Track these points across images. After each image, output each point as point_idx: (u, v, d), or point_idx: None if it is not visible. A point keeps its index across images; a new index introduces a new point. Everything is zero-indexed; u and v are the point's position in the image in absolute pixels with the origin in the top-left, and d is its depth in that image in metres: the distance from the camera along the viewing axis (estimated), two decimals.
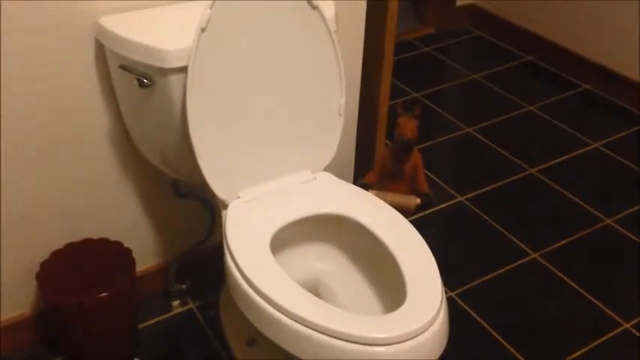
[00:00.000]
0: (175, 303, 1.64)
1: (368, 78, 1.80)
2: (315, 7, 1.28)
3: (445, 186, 2.10)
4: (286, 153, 1.38)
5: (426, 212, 1.96)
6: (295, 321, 1.09)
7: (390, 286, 1.28)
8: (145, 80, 1.23)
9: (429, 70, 2.77)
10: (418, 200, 1.62)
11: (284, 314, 1.10)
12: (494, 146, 2.29)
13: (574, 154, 2.26)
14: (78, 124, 1.37)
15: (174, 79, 1.22)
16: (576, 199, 2.05)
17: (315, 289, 1.42)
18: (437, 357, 1.12)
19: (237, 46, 1.22)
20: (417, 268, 1.20)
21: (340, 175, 1.83)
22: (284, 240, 1.35)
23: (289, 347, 1.11)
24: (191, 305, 1.65)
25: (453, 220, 1.97)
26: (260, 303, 1.13)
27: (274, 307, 1.11)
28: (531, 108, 2.50)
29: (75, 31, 1.27)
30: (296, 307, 1.10)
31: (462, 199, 2.04)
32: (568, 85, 2.63)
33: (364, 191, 1.38)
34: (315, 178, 1.41)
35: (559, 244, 1.88)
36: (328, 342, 1.07)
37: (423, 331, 1.08)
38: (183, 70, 1.20)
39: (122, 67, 1.26)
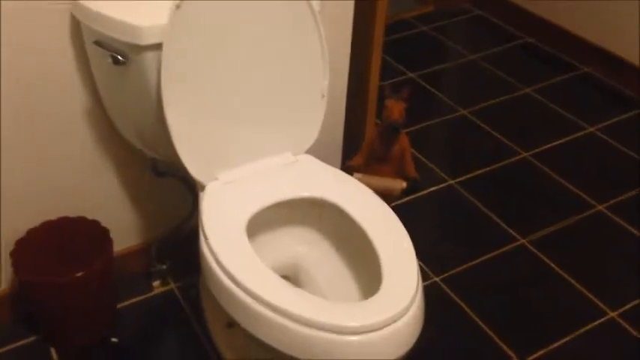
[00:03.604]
0: (156, 283, 1.62)
1: (358, 58, 1.76)
2: None
3: (436, 169, 2.06)
4: (267, 134, 1.35)
5: (415, 195, 1.93)
6: (267, 308, 1.07)
7: (368, 272, 1.25)
8: (120, 57, 1.20)
9: (427, 50, 2.71)
10: (404, 184, 1.59)
11: (256, 300, 1.08)
12: (489, 129, 2.25)
13: (570, 138, 2.22)
14: (54, 101, 1.34)
15: (149, 57, 1.19)
16: (569, 185, 2.01)
17: (294, 273, 1.40)
18: (411, 345, 1.10)
19: (214, 24, 1.18)
20: (395, 254, 1.18)
21: (328, 157, 1.80)
22: (263, 223, 1.33)
23: (261, 335, 1.09)
24: (172, 286, 1.64)
25: (443, 203, 1.94)
26: (232, 289, 1.11)
27: (246, 293, 1.09)
28: (528, 90, 2.45)
29: (50, 7, 1.24)
30: (268, 294, 1.08)
31: (452, 182, 2.01)
32: (567, 68, 2.58)
33: (346, 175, 1.35)
34: (297, 161, 1.38)
35: (549, 230, 1.85)
36: (300, 330, 1.05)
37: (396, 320, 1.06)
38: (159, 47, 1.16)
39: (97, 43, 1.23)
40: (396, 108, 1.56)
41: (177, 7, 1.13)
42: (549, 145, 2.17)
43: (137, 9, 1.20)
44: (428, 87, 2.46)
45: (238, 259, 1.15)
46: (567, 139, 2.21)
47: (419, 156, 2.10)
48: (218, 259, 1.14)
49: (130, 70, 1.22)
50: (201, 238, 1.20)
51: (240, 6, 1.20)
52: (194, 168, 1.27)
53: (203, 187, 1.30)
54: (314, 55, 1.32)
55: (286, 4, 1.24)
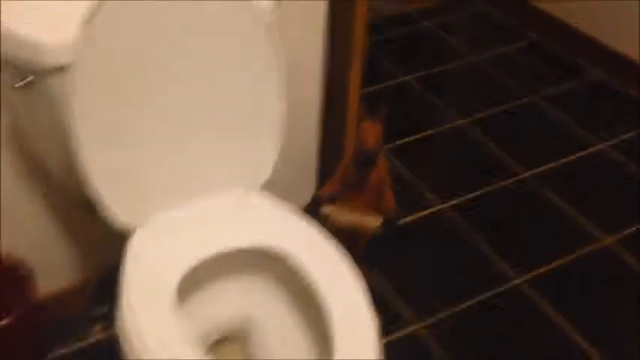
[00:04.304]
0: (96, 328, 1.43)
1: (334, 65, 1.54)
2: None
3: (424, 190, 1.84)
4: (210, 168, 1.14)
5: (399, 222, 1.71)
6: None
7: (323, 335, 1.05)
8: (24, 79, 0.99)
9: (426, 49, 2.46)
10: (379, 222, 1.37)
11: None
12: (488, 142, 2.02)
13: (577, 155, 1.98)
14: None
15: (58, 80, 0.98)
16: (574, 212, 1.79)
17: (244, 329, 1.19)
18: None
19: (137, 38, 0.97)
20: (351, 323, 0.98)
21: (301, 184, 1.59)
22: (206, 274, 1.12)
23: None
24: (114, 331, 1.44)
25: (430, 232, 1.72)
26: None
27: None
28: (535, 97, 2.21)
29: None
30: None
31: (441, 207, 1.79)
32: (578, 72, 2.33)
33: (302, 218, 1.14)
34: (246, 200, 1.16)
35: (548, 267, 1.63)
36: None
37: None
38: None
39: None
40: (371, 133, 1.34)
41: (88, 22, 0.92)
42: (554, 164, 1.94)
43: (46, 21, 0.99)
44: (424, 92, 2.22)
45: (158, 329, 0.94)
46: (574, 156, 1.98)
47: (408, 174, 1.88)
48: (134, 336, 0.94)
49: (37, 95, 1.01)
50: (120, 303, 1.00)
51: (171, 16, 0.98)
52: (119, 210, 1.07)
53: (131, 234, 1.09)
54: (266, 76, 1.10)
55: (229, 17, 1.02)
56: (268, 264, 1.13)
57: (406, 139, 2.01)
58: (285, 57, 1.14)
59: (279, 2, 1.16)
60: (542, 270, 1.62)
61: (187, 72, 1.04)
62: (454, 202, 1.81)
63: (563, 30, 2.42)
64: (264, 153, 1.17)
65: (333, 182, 1.45)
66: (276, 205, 1.16)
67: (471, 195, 1.83)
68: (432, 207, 1.79)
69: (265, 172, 1.19)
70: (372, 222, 1.37)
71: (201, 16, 1.00)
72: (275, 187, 1.29)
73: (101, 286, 1.42)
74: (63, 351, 1.39)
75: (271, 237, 1.10)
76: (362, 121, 1.37)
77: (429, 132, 2.06)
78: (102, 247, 1.41)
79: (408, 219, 1.74)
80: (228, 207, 1.15)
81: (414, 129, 2.06)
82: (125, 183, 1.06)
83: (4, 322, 1.18)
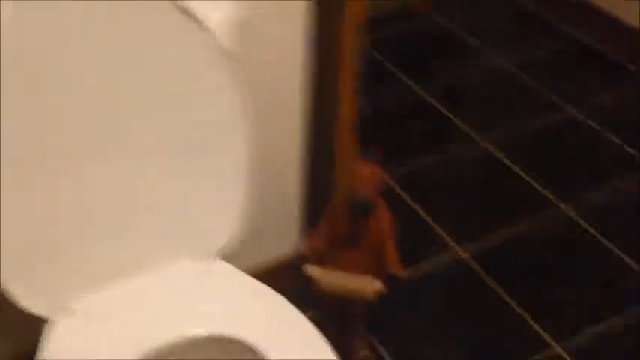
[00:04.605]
0: None
1: (320, 93, 1.27)
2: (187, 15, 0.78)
3: (438, 231, 1.55)
4: (155, 235, 0.91)
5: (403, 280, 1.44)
6: None
7: None
8: None
9: (438, 51, 2.13)
10: (378, 286, 1.11)
11: None
12: (515, 169, 1.72)
13: (627, 184, 1.68)
14: None
15: None
16: (625, 259, 1.49)
17: None
18: None
19: (66, 74, 0.76)
20: None
21: (280, 234, 1.33)
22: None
23: None
24: None
25: (444, 285, 1.44)
26: None
27: None
28: (575, 111, 1.90)
29: None
30: None
31: (459, 253, 1.50)
32: (631, 78, 2.00)
33: (267, 292, 0.90)
34: (201, 273, 0.93)
35: (587, 334, 1.35)
36: None
37: None
38: None
39: None
40: (367, 176, 1.08)
41: None
42: (597, 196, 1.65)
43: None
44: (436, 105, 1.91)
45: None
46: (624, 185, 1.67)
47: (415, 211, 1.59)
48: None
49: None
50: None
51: (107, 49, 0.77)
52: (29, 295, 0.84)
53: (49, 323, 0.86)
54: (227, 118, 0.88)
55: (182, 43, 0.79)
56: (228, 349, 0.90)
57: (414, 167, 1.71)
58: (255, 87, 0.92)
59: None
60: (582, 338, 1.34)
61: (125, 116, 0.82)
62: (473, 247, 1.52)
63: (619, 29, 2.08)
64: (220, 218, 0.94)
65: (319, 236, 1.18)
66: (239, 277, 0.93)
67: (495, 238, 1.54)
68: (444, 254, 1.50)
69: (222, 239, 0.95)
70: (370, 285, 1.11)
71: (139, 37, 0.78)
72: (250, 239, 1.05)
73: None
74: None
75: (230, 321, 0.88)
76: (356, 161, 1.12)
77: (441, 157, 1.76)
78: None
79: (416, 272, 1.46)
80: (179, 283, 0.92)
81: (423, 154, 1.76)
82: (37, 261, 0.83)
83: None
